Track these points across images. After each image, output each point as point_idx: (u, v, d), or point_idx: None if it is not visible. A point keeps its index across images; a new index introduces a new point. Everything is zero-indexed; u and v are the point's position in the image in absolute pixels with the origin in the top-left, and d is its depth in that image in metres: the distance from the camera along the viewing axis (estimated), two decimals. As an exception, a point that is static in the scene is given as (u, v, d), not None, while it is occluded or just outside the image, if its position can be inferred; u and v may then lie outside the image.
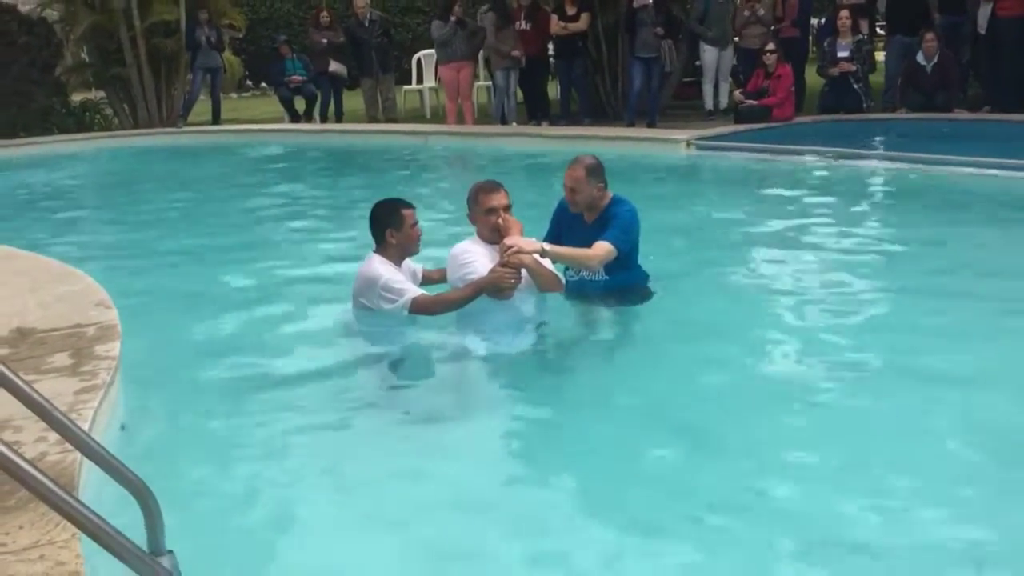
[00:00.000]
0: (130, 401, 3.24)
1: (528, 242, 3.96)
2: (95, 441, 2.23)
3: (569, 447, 3.13)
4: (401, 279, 3.96)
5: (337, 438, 3.27)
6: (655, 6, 10.48)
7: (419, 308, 3.92)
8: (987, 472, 2.81)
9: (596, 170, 4.17)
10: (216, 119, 13.66)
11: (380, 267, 3.98)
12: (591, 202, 4.18)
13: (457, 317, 4.07)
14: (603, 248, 4.01)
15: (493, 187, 4.14)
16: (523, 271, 3.95)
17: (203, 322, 4.46)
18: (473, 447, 3.19)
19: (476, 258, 4.01)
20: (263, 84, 21.76)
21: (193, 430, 3.30)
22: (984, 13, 9.95)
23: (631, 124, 10.69)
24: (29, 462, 1.74)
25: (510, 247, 3.87)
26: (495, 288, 3.91)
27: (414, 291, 3.93)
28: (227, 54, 18.09)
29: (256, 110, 16.83)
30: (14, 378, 2.07)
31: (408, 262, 4.19)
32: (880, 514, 2.58)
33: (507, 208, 4.07)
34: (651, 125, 10.52)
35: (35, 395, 2.11)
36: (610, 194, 4.25)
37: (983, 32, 10.00)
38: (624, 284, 4.24)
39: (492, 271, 3.88)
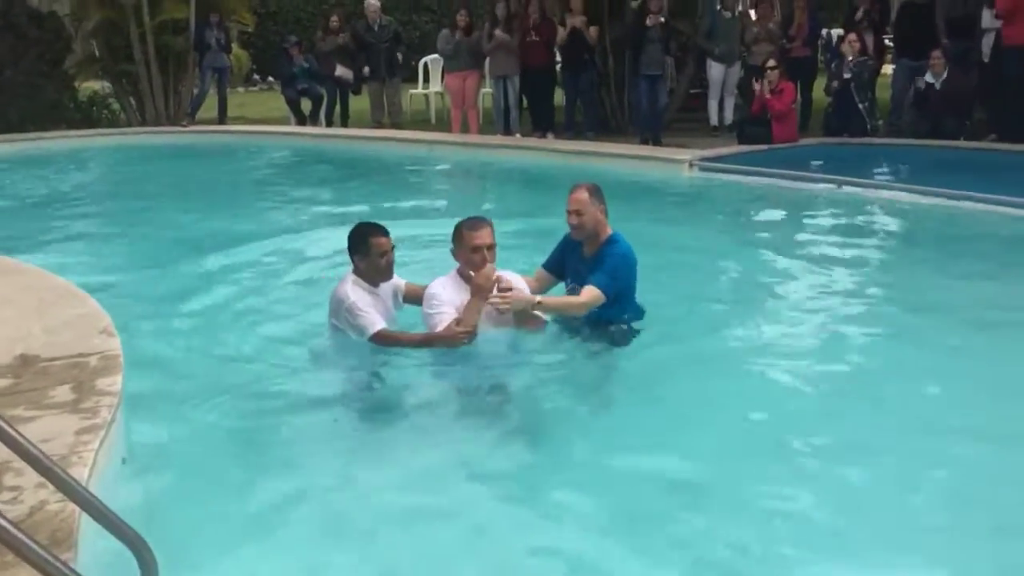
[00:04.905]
0: (131, 434, 3.28)
1: (524, 298, 4.02)
2: (93, 496, 2.26)
3: (544, 492, 3.16)
4: (366, 307, 4.00)
5: (339, 477, 3.30)
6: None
7: (378, 342, 4.00)
8: (977, 527, 2.87)
9: (598, 192, 4.26)
10: (222, 119, 13.71)
11: (350, 289, 4.05)
12: (595, 227, 4.23)
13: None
14: (590, 294, 4.10)
15: (478, 224, 4.01)
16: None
17: (203, 345, 4.51)
18: (446, 491, 3.18)
19: (444, 308, 3.99)
20: (270, 78, 21.79)
21: (193, 463, 3.36)
22: (988, 41, 10.00)
23: (645, 141, 10.68)
24: (20, 529, 1.76)
25: (506, 299, 3.89)
26: (446, 344, 3.96)
27: (375, 325, 3.97)
28: (235, 48, 18.11)
29: (262, 106, 16.87)
30: (11, 431, 2.11)
31: (393, 277, 4.21)
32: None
33: (491, 247, 3.96)
34: (656, 142, 10.54)
35: (32, 448, 2.15)
36: (609, 228, 4.29)
37: (987, 60, 10.04)
38: (610, 319, 4.26)
39: (448, 328, 3.92)
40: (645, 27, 10.47)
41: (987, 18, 9.99)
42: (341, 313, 4.06)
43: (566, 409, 3.81)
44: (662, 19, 10.44)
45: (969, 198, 7.12)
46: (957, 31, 10.29)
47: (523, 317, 4.07)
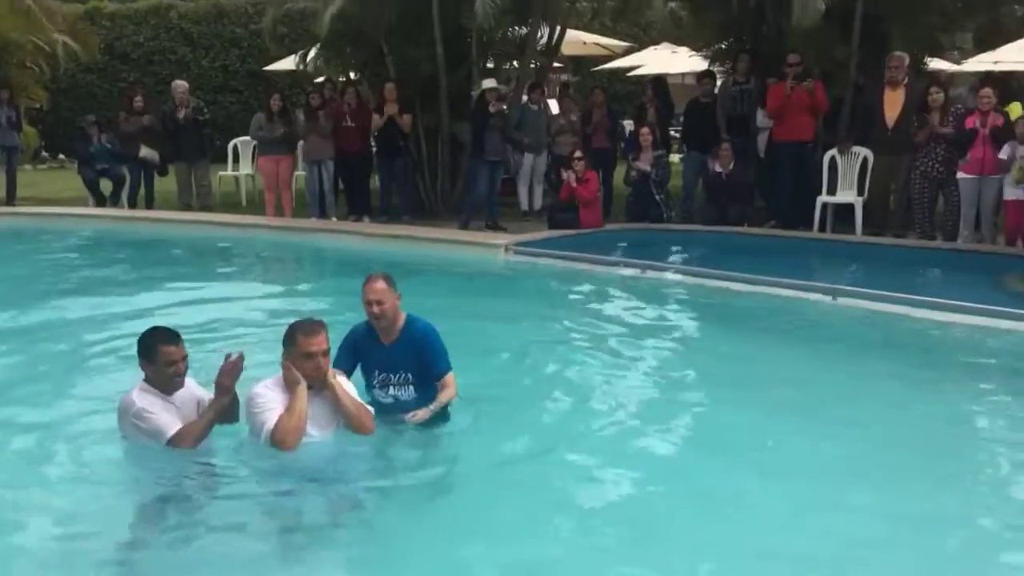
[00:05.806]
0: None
1: (421, 415, 4.20)
2: None
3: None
4: (157, 410, 3.82)
5: None
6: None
7: (177, 444, 3.81)
8: None
9: (392, 280, 4.33)
10: (11, 199, 12.82)
11: (137, 396, 3.87)
12: (394, 315, 4.29)
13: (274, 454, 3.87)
14: (452, 380, 4.30)
15: (314, 329, 3.89)
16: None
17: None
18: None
19: (271, 405, 3.85)
20: (61, 156, 20.59)
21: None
22: (762, 138, 11.18)
23: (465, 226, 10.92)
24: None
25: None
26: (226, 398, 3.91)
27: (171, 427, 3.81)
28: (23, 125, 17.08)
29: (53, 185, 15.86)
30: None
31: (192, 388, 4.01)
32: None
33: (325, 353, 3.90)
34: (495, 227, 10.81)
35: None
36: (401, 312, 4.36)
37: (762, 155, 11.19)
38: (427, 400, 4.34)
39: (217, 383, 3.88)
40: (487, 115, 10.85)
41: (760, 117, 11.19)
42: (128, 421, 3.86)
43: (401, 500, 3.82)
44: (504, 107, 11.00)
45: (753, 280, 7.82)
46: (736, 128, 11.42)
47: (356, 421, 4.01)
